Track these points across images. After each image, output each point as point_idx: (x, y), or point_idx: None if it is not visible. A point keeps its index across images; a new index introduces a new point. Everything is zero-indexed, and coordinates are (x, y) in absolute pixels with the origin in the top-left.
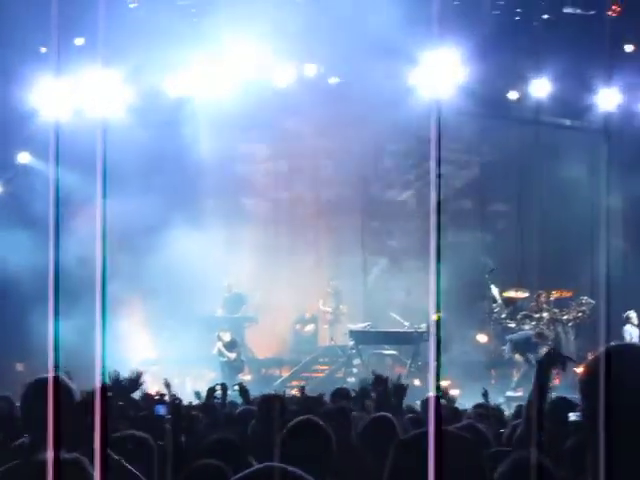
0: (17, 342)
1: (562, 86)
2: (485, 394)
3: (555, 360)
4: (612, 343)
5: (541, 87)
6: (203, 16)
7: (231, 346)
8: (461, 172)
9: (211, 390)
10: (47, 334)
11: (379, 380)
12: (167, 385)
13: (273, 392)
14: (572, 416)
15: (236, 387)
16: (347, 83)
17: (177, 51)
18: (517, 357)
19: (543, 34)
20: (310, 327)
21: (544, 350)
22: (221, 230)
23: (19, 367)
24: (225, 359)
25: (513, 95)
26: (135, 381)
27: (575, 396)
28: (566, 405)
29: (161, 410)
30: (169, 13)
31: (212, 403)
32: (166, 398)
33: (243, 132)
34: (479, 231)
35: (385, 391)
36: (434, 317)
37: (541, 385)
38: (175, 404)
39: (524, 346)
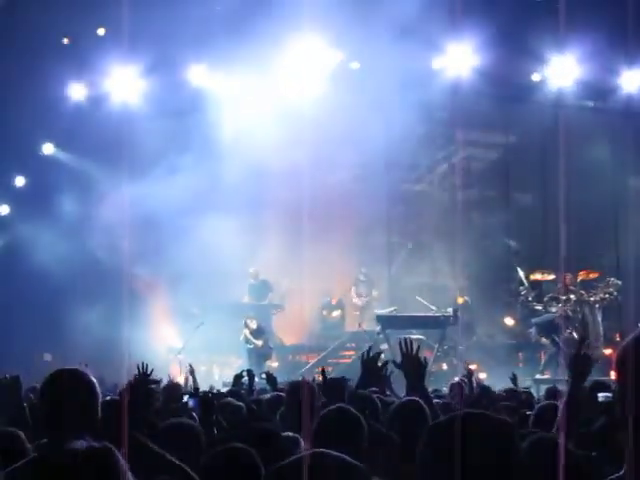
0: (46, 332)
1: (586, 68)
2: (514, 378)
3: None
4: None
5: (564, 69)
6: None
7: (258, 333)
8: (485, 155)
9: (238, 377)
10: (75, 324)
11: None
12: (191, 372)
13: (300, 378)
14: (602, 396)
15: (263, 375)
16: (369, 68)
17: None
18: (543, 340)
19: (565, 15)
20: (337, 313)
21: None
22: (246, 217)
23: (47, 357)
24: (252, 346)
25: (536, 77)
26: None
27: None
28: (599, 387)
29: (192, 403)
30: None
31: (239, 389)
32: (191, 385)
33: (262, 117)
34: (504, 214)
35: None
36: (460, 300)
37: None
38: (205, 397)
39: (549, 328)
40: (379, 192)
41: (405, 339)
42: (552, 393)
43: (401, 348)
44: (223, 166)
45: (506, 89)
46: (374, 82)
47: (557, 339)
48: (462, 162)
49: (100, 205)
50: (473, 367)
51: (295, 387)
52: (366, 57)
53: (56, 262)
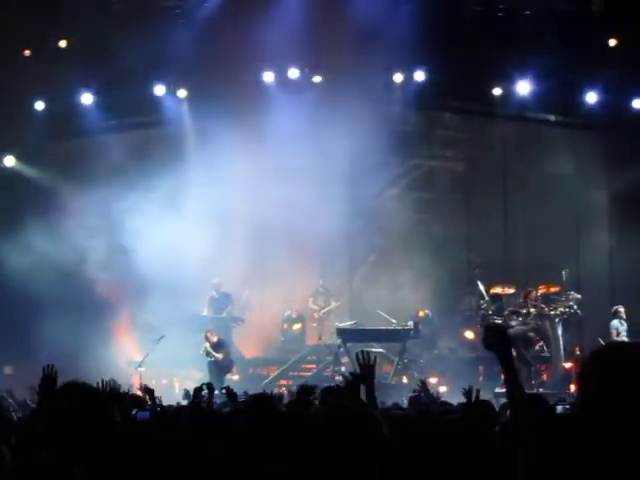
0: (8, 345)
1: (545, 82)
2: (468, 392)
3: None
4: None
5: (524, 84)
6: None
7: (218, 346)
8: (447, 167)
9: (198, 390)
10: (39, 336)
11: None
12: (148, 391)
13: (261, 391)
14: (560, 409)
15: (223, 391)
16: (330, 82)
17: None
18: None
19: (526, 29)
20: (298, 326)
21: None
22: (210, 228)
23: (7, 370)
24: (213, 359)
25: (497, 91)
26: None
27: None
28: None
29: (143, 416)
30: None
31: (199, 403)
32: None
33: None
34: (465, 227)
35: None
36: (421, 314)
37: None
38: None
39: (516, 342)
40: (342, 205)
41: (363, 351)
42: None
43: (358, 360)
44: (188, 176)
45: (468, 103)
46: (336, 96)
47: (523, 353)
48: (424, 176)
49: (63, 216)
50: (434, 380)
51: (256, 400)
52: (328, 71)
53: (19, 275)
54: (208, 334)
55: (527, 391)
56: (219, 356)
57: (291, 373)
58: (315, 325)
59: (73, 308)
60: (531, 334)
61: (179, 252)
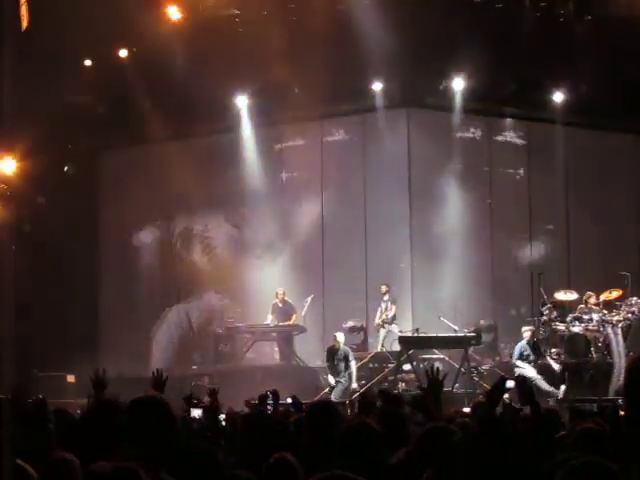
0: None
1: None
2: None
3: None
4: None
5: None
6: None
7: None
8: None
9: (263, 397)
10: None
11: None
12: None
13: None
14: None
15: (289, 399)
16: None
17: None
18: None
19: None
20: (360, 335)
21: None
22: None
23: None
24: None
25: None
26: None
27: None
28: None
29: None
30: None
31: (264, 410)
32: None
33: None
34: (527, 233)
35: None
36: (482, 322)
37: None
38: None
39: (575, 347)
40: (403, 211)
41: (432, 365)
42: (576, 413)
43: (427, 374)
44: None
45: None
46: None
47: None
48: (480, 178)
49: None
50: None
51: (318, 408)
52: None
53: None
54: None
55: (587, 398)
56: None
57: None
58: (379, 334)
59: None
60: (591, 339)
61: None
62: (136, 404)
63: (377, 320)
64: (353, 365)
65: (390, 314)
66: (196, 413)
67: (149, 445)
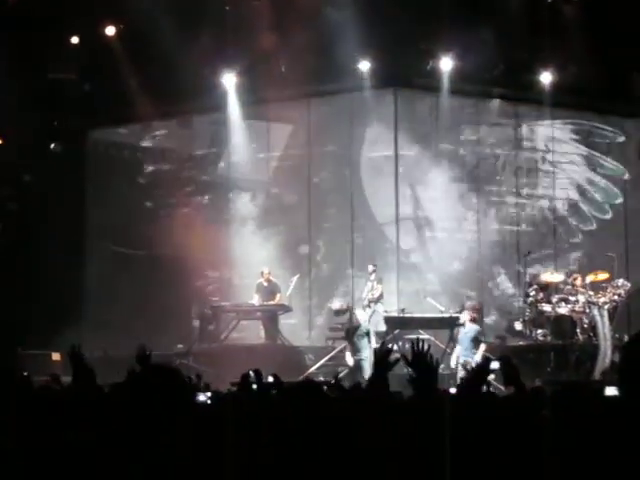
0: None
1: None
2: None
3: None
4: None
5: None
6: None
7: None
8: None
9: (245, 376)
10: None
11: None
12: (198, 376)
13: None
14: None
15: (270, 378)
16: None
17: None
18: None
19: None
20: (345, 315)
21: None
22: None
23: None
24: None
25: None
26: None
27: None
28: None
29: (202, 397)
30: None
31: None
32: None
33: None
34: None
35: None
36: (468, 302)
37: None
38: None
39: (562, 327)
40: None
41: (417, 339)
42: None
43: (413, 348)
44: None
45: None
46: None
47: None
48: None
49: None
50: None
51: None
52: None
53: None
54: None
55: (573, 379)
56: None
57: (337, 361)
58: (364, 312)
59: None
60: (577, 320)
61: None
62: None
63: (364, 300)
64: (374, 340)
65: (376, 294)
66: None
67: None
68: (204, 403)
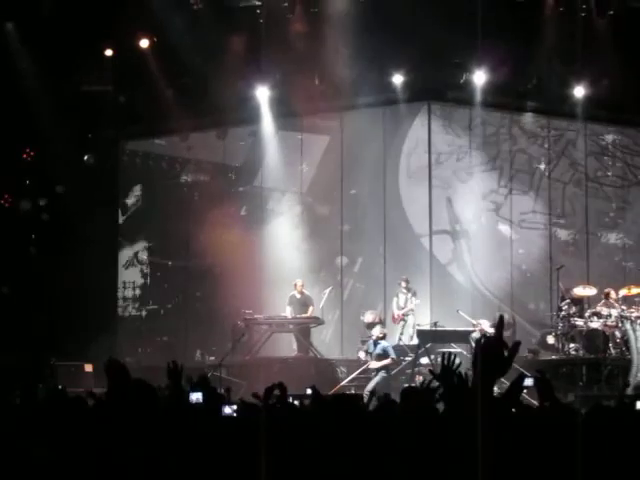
0: None
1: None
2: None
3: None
4: None
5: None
6: None
7: None
8: None
9: (269, 390)
10: None
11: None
12: (228, 390)
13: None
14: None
15: (308, 390)
16: None
17: None
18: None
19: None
20: (377, 328)
21: None
22: None
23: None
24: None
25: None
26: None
27: None
28: None
29: (228, 410)
30: None
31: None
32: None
33: None
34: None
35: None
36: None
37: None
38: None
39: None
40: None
41: (447, 353)
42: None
43: (443, 360)
44: None
45: None
46: None
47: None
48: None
49: None
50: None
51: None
52: None
53: None
54: None
55: (602, 394)
56: None
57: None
58: (398, 326)
59: None
60: (609, 335)
61: None
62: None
63: (397, 312)
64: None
65: (412, 306)
66: (194, 397)
67: None
68: (230, 415)
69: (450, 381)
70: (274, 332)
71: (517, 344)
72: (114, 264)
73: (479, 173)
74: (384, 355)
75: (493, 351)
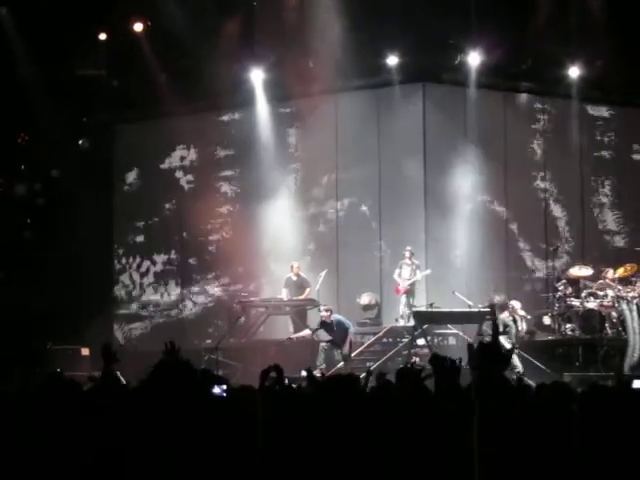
0: None
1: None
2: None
3: None
4: None
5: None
6: None
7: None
8: None
9: (265, 373)
10: None
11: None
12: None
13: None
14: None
15: (303, 372)
16: None
17: None
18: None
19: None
20: (374, 310)
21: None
22: None
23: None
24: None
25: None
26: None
27: None
28: None
29: (217, 390)
30: None
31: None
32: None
33: None
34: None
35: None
36: (497, 298)
37: None
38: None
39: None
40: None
41: (437, 356)
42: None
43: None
44: None
45: None
46: None
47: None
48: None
49: None
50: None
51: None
52: None
53: None
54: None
55: (599, 374)
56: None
57: (367, 355)
58: (399, 297)
59: None
60: (606, 315)
61: None
62: None
63: (402, 283)
64: None
65: (419, 277)
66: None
67: None
68: (219, 396)
69: (443, 364)
70: (270, 314)
71: (492, 306)
72: (109, 248)
73: (474, 154)
74: (343, 330)
75: (491, 353)
